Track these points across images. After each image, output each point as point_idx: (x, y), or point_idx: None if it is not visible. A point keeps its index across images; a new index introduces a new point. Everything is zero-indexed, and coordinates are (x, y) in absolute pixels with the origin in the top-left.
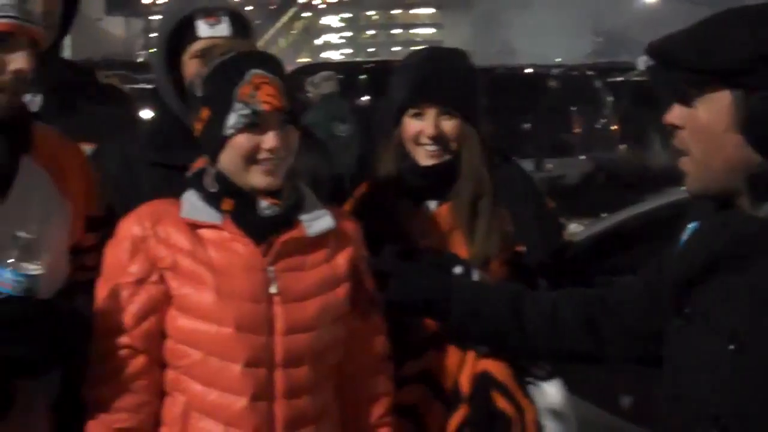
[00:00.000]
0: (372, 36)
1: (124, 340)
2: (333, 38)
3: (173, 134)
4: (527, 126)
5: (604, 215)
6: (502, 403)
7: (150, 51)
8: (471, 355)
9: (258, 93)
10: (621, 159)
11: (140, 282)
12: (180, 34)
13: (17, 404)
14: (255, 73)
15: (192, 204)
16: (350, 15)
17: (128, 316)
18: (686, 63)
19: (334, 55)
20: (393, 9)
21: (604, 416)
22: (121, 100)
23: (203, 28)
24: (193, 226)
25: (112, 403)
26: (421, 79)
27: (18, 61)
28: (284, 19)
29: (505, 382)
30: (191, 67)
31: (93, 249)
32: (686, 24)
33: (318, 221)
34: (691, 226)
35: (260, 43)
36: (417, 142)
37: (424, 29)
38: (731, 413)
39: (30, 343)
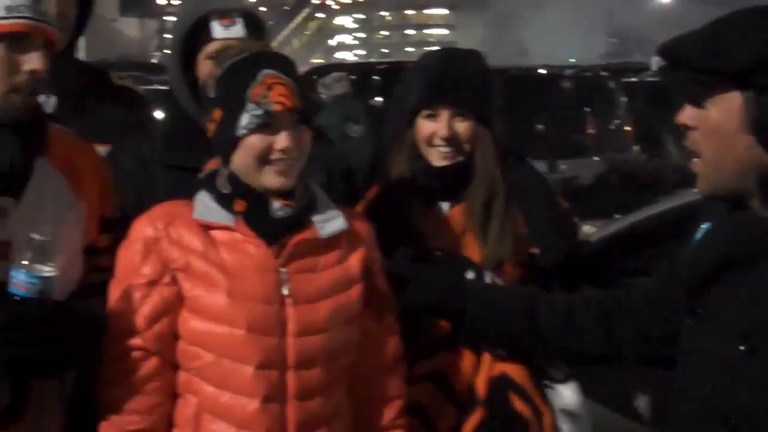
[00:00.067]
0: (385, 37)
1: (136, 341)
2: (346, 39)
3: (187, 135)
4: (541, 127)
5: (617, 216)
6: (519, 405)
7: (164, 52)
8: (487, 358)
9: (270, 93)
10: (635, 160)
11: (153, 283)
12: (195, 35)
13: (31, 405)
14: (267, 74)
15: (204, 205)
16: (364, 16)
17: (141, 318)
18: (697, 64)
19: (348, 56)
20: (406, 10)
21: (619, 420)
22: (135, 101)
23: (218, 30)
24: (206, 228)
25: (124, 404)
26: (434, 80)
27: (33, 61)
28: (298, 19)
29: (523, 385)
30: (206, 68)
31: (107, 250)
32: (701, 24)
33: (330, 222)
34: (703, 227)
35: (274, 44)
36: (430, 143)
37: (437, 30)
38: (741, 413)
39: (43, 345)
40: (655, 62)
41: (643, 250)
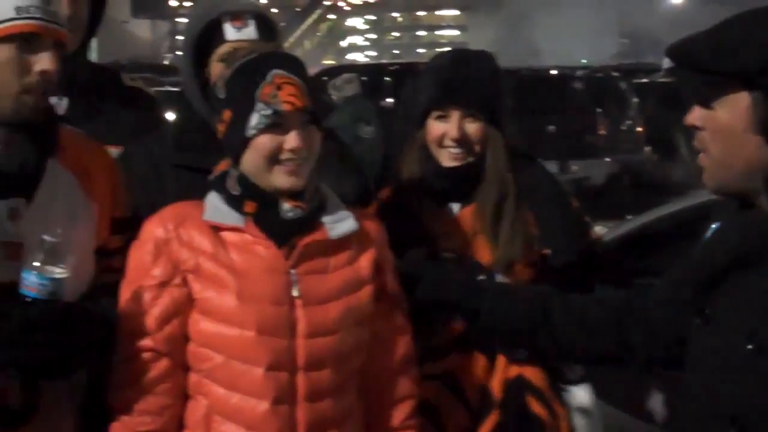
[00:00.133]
0: (397, 38)
1: (147, 343)
2: (358, 40)
3: (199, 137)
4: (552, 128)
5: (629, 217)
6: (537, 408)
7: (176, 53)
8: (501, 361)
9: (280, 93)
10: (646, 161)
11: (163, 285)
12: (207, 37)
13: (43, 406)
14: (276, 74)
15: (215, 206)
16: (375, 17)
17: (151, 319)
18: (705, 65)
19: (359, 57)
20: (418, 11)
21: (632, 421)
22: (147, 102)
23: (230, 31)
24: (216, 229)
25: (135, 405)
26: (445, 81)
27: (43, 61)
28: (309, 21)
29: (540, 387)
30: (218, 69)
31: (119, 251)
32: (712, 25)
33: (341, 223)
34: (713, 226)
35: (286, 45)
36: (441, 144)
37: (448, 31)
38: (749, 412)
39: (55, 346)
40: (667, 63)
41: (655, 251)
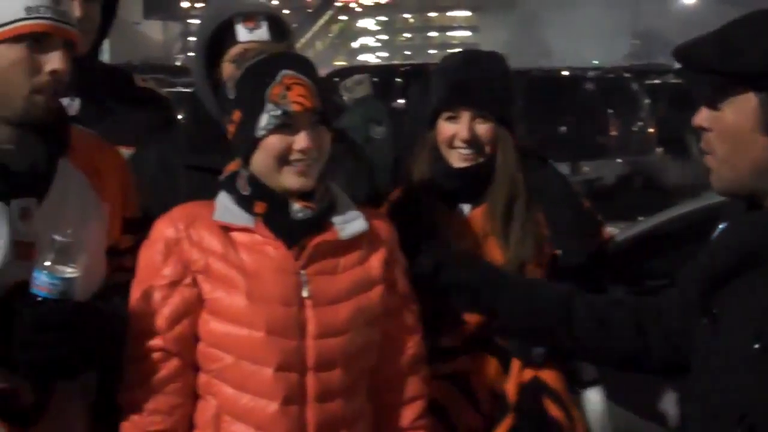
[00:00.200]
0: (408, 39)
1: (157, 342)
2: (369, 41)
3: (211, 137)
4: (563, 129)
5: (640, 218)
6: (554, 411)
7: (188, 55)
8: (516, 364)
9: (289, 94)
10: (658, 162)
11: (173, 285)
12: (219, 38)
13: (54, 406)
14: (286, 74)
15: (225, 207)
16: (386, 18)
17: (161, 319)
18: (711, 66)
19: (371, 58)
20: (429, 12)
21: (643, 424)
22: (159, 103)
23: (243, 33)
24: (226, 229)
25: (145, 405)
26: (455, 82)
27: (54, 61)
28: (321, 22)
29: (557, 390)
30: (230, 70)
31: (130, 251)
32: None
33: (351, 224)
34: (720, 227)
35: (297, 46)
36: (451, 145)
37: (460, 32)
38: (756, 412)
39: (65, 346)
40: (678, 64)
41: (667, 252)
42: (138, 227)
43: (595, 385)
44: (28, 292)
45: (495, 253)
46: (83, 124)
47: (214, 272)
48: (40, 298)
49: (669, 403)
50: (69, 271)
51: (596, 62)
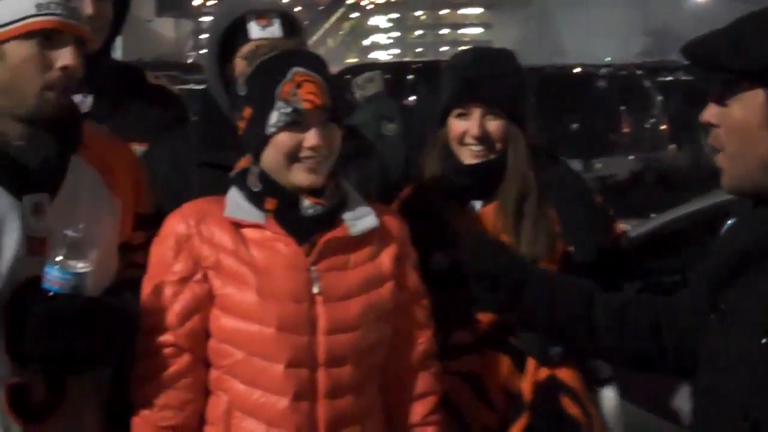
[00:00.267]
0: (420, 36)
1: (168, 338)
2: (381, 38)
3: (223, 134)
4: (576, 126)
5: (653, 215)
6: (572, 408)
7: (200, 52)
8: (531, 364)
9: (299, 91)
10: (670, 159)
11: (184, 281)
12: (232, 35)
13: (67, 400)
14: (297, 71)
15: (236, 203)
16: (398, 15)
17: (172, 315)
18: (719, 62)
19: (382, 56)
20: (441, 9)
21: (656, 421)
22: (171, 100)
23: (255, 30)
24: (237, 226)
25: (156, 401)
26: (466, 79)
27: (65, 57)
28: (332, 19)
29: (575, 388)
30: (242, 67)
31: (142, 247)
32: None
33: (361, 220)
34: (728, 222)
35: (309, 44)
36: (462, 142)
37: (472, 29)
38: (762, 408)
39: (77, 340)
40: None
41: (679, 249)
42: (150, 223)
43: (610, 383)
44: (39, 287)
45: None
46: (96, 121)
47: (225, 268)
48: (51, 293)
49: (683, 401)
50: (80, 267)
51: (608, 59)
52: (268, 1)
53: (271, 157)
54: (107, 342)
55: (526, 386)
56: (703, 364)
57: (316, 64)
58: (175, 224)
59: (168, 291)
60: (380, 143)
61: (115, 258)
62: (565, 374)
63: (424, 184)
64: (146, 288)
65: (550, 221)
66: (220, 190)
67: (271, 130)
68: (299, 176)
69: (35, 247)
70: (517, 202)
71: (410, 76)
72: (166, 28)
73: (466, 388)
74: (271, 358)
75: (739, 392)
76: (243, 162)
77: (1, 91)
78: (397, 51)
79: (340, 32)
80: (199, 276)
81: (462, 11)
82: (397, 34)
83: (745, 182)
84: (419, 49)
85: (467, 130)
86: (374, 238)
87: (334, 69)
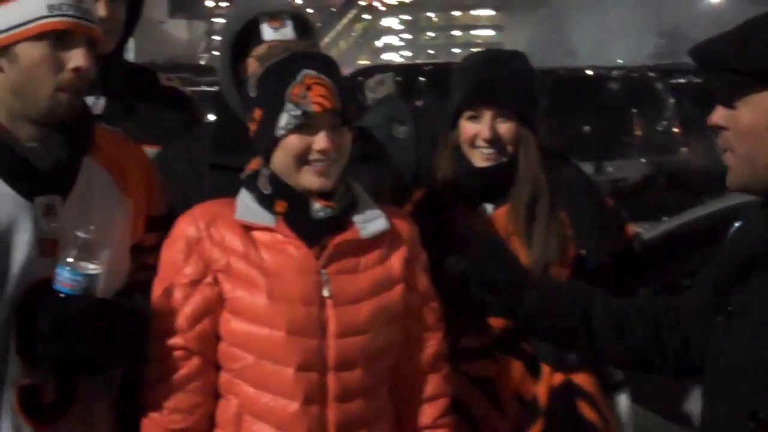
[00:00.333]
0: (432, 38)
1: (178, 341)
2: (393, 40)
3: (236, 136)
4: (587, 128)
5: (664, 218)
6: (588, 413)
7: (212, 53)
8: (546, 369)
9: (309, 94)
10: (682, 161)
11: (194, 283)
12: (244, 37)
13: (78, 401)
14: (307, 74)
15: (246, 206)
16: (410, 17)
17: (183, 318)
18: (726, 65)
19: (394, 57)
20: (453, 11)
21: (666, 425)
22: (183, 102)
23: (268, 32)
24: (247, 228)
25: (166, 403)
26: (477, 81)
27: (77, 58)
28: (344, 21)
29: (591, 392)
30: (254, 68)
31: (154, 248)
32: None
33: (372, 223)
34: (736, 225)
35: (321, 45)
36: (473, 144)
37: (484, 31)
38: None
39: (87, 342)
40: None
41: (691, 252)
42: (163, 225)
43: (623, 387)
44: (50, 288)
45: (518, 253)
46: (108, 123)
47: (235, 271)
48: (62, 295)
49: (694, 405)
50: (91, 268)
51: (621, 61)
52: (281, 3)
53: (280, 159)
54: (117, 343)
55: (541, 392)
56: (711, 365)
57: (327, 66)
58: (186, 227)
59: (178, 294)
60: (391, 145)
61: (126, 259)
62: (581, 379)
63: (436, 187)
64: (156, 290)
65: (562, 224)
66: (233, 192)
67: (280, 132)
68: (308, 179)
69: (47, 248)
70: (529, 205)
71: (422, 78)
72: (179, 29)
73: (477, 392)
74: (282, 362)
75: (746, 393)
76: (253, 164)
77: (13, 92)
78: (409, 53)
79: (353, 34)
80: (209, 279)
81: (474, 13)
82: (409, 35)
83: (753, 182)
84: (431, 51)
85: (478, 133)
86: (384, 240)
87: (345, 71)
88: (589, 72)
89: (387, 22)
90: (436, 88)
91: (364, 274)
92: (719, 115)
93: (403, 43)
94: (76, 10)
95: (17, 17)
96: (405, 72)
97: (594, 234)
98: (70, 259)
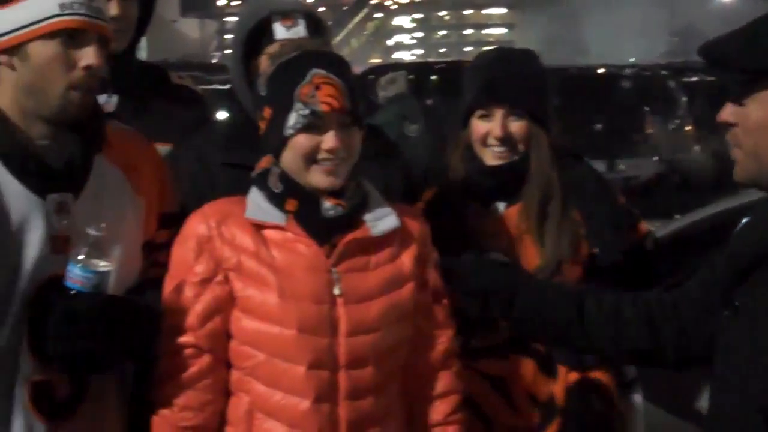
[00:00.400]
0: (444, 36)
1: (189, 339)
2: (405, 39)
3: (248, 134)
4: (599, 126)
5: (677, 216)
6: (605, 409)
7: (224, 52)
8: (562, 370)
9: (318, 93)
10: (695, 160)
11: (205, 282)
12: (257, 36)
13: (90, 398)
14: (316, 73)
15: (257, 204)
16: (422, 15)
17: (193, 316)
18: (735, 63)
19: (406, 56)
20: (465, 9)
21: (677, 422)
22: (195, 100)
23: (280, 31)
24: (258, 227)
25: (176, 401)
26: (488, 80)
27: (88, 57)
28: (356, 19)
29: (607, 389)
30: (266, 66)
31: (166, 246)
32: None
33: (382, 221)
34: (744, 220)
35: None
36: (484, 143)
37: (496, 29)
38: None
39: (98, 339)
40: None
41: (703, 251)
42: (175, 223)
43: (635, 384)
44: (62, 285)
45: (531, 252)
46: (120, 121)
47: (246, 270)
48: (73, 291)
49: (705, 402)
50: (102, 265)
51: (633, 60)
52: (293, 2)
53: (289, 158)
54: (128, 340)
55: (558, 390)
56: (718, 359)
57: (337, 65)
58: (196, 225)
59: (189, 292)
60: (402, 144)
61: (138, 257)
62: (598, 375)
63: (447, 185)
64: (167, 288)
65: (574, 223)
66: (245, 190)
67: (289, 131)
68: (317, 178)
69: (59, 245)
70: (541, 203)
71: (434, 77)
72: (191, 28)
73: (489, 389)
74: (293, 360)
75: (755, 388)
76: (264, 162)
77: (25, 91)
78: (420, 51)
79: (364, 32)
80: (220, 278)
81: (486, 11)
82: (420, 34)
83: (760, 177)
84: (443, 50)
85: (490, 131)
86: (395, 238)
87: (357, 69)
88: (602, 70)
89: (399, 20)
90: (447, 87)
91: (375, 272)
92: (728, 112)
93: (414, 42)
94: (88, 8)
95: (29, 16)
96: (416, 70)
97: (607, 232)
98: (81, 256)
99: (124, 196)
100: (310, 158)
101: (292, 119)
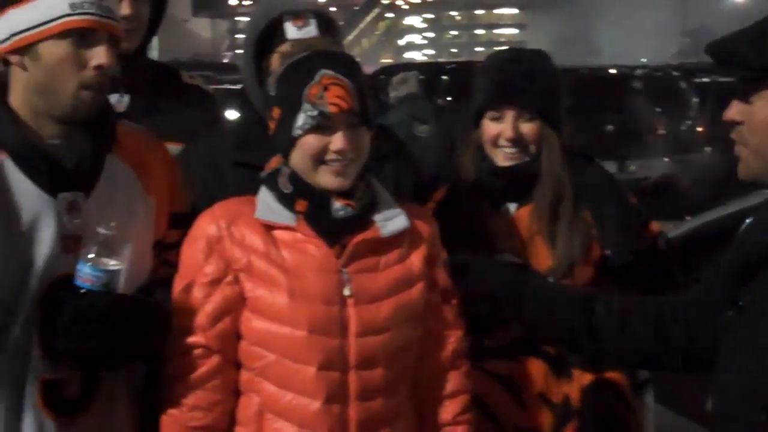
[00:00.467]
0: (455, 36)
1: (199, 339)
2: (416, 39)
3: (259, 134)
4: (611, 127)
5: (688, 218)
6: (619, 410)
7: (235, 52)
8: (577, 372)
9: (326, 94)
10: (706, 161)
11: (215, 282)
12: (268, 36)
13: (100, 397)
14: (325, 74)
15: (266, 205)
16: (433, 15)
17: (203, 316)
18: (742, 61)
19: (417, 56)
20: (476, 9)
21: (687, 424)
22: (206, 100)
23: (292, 31)
24: (268, 227)
25: (185, 401)
26: (500, 81)
27: (99, 56)
28: (368, 19)
29: (621, 389)
30: (277, 65)
31: (177, 245)
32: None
33: (392, 221)
34: (747, 221)
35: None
36: (496, 144)
37: (507, 30)
38: None
39: (107, 337)
40: None
41: (715, 252)
42: (186, 222)
43: (647, 385)
44: (72, 283)
45: (542, 253)
46: (131, 120)
47: (256, 270)
48: (83, 290)
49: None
50: (112, 264)
51: (644, 60)
52: (305, 2)
53: (298, 158)
54: (138, 339)
55: (573, 392)
56: (721, 359)
57: (346, 66)
58: (206, 225)
59: (199, 292)
60: (412, 144)
61: (149, 256)
62: (612, 375)
63: (458, 186)
64: (177, 288)
65: (586, 223)
66: (255, 190)
67: (297, 132)
68: (326, 179)
69: (70, 244)
70: (552, 204)
71: (445, 77)
72: (202, 27)
73: (499, 389)
74: (303, 361)
75: (759, 387)
76: (273, 162)
77: (36, 91)
78: (431, 51)
79: (375, 32)
80: (230, 278)
81: (497, 11)
82: (431, 34)
83: (764, 175)
84: (454, 50)
85: (501, 132)
86: (405, 239)
87: (368, 69)
88: (613, 71)
89: (410, 20)
90: (458, 87)
91: (385, 272)
92: (735, 110)
93: (425, 42)
94: (99, 8)
95: (40, 16)
96: (428, 71)
97: (618, 233)
98: (91, 255)
99: (135, 195)
100: (319, 159)
101: (301, 120)
